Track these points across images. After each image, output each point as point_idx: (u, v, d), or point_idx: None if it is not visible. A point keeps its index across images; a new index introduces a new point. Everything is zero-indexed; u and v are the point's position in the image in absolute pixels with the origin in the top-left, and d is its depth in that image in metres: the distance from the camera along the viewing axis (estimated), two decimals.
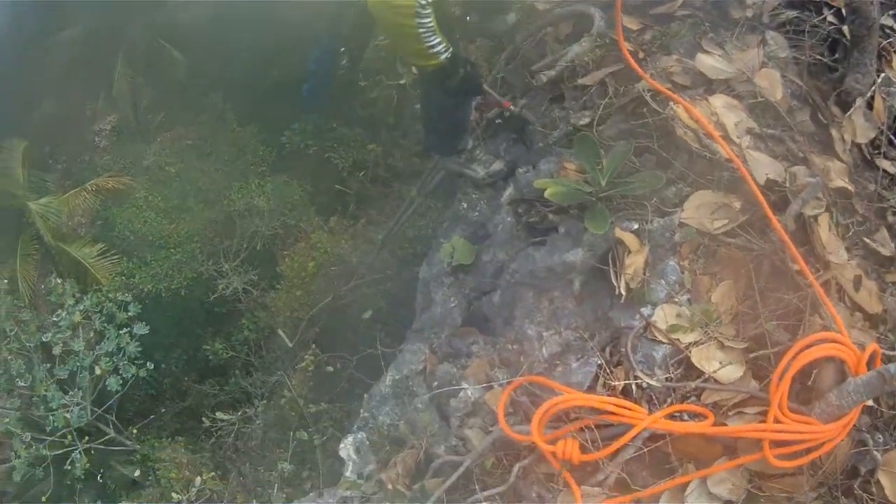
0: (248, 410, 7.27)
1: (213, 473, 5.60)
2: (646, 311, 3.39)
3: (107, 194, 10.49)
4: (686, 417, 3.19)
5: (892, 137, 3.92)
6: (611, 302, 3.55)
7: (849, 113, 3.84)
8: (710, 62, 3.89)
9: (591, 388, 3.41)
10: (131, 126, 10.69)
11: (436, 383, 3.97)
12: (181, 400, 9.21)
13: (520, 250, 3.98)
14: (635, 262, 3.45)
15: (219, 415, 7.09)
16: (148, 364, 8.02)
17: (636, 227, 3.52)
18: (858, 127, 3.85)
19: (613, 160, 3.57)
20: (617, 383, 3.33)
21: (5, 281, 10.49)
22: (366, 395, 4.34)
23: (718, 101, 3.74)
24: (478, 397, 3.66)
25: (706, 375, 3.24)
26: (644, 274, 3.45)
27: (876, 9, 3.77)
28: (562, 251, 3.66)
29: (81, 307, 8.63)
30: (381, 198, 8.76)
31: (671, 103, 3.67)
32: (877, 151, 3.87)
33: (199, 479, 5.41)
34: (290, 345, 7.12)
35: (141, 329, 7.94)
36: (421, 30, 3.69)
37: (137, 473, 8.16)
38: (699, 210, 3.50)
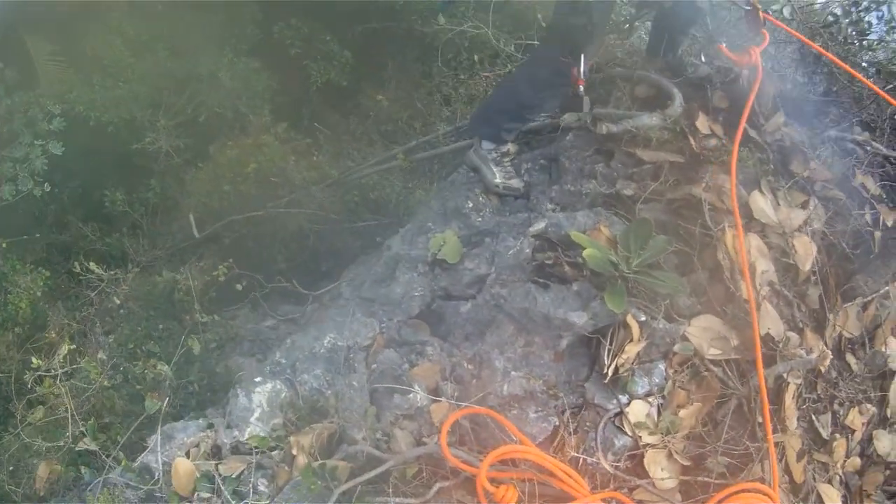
0: (118, 273, 6.84)
1: (74, 346, 5.21)
2: (623, 399, 3.51)
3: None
4: None
5: (867, 340, 4.17)
6: (588, 374, 3.63)
7: (846, 305, 4.08)
8: (761, 204, 4.02)
9: (542, 446, 3.47)
10: None
11: (376, 366, 3.90)
12: (59, 232, 8.59)
13: (517, 281, 3.93)
14: (632, 350, 3.55)
15: (92, 265, 6.64)
16: (45, 185, 7.45)
17: (643, 318, 3.59)
18: (850, 321, 4.09)
19: (652, 251, 3.66)
20: (572, 452, 3.43)
21: None
22: (287, 341, 4.18)
23: (753, 242, 3.88)
24: (423, 404, 3.60)
25: (650, 479, 3.40)
26: (633, 365, 3.57)
27: None
28: (567, 308, 3.66)
29: (9, 101, 7.93)
30: (347, 135, 8.46)
31: (726, 226, 3.83)
32: (850, 346, 4.14)
33: (64, 347, 5.03)
34: (196, 235, 6.75)
35: (56, 148, 7.35)
36: None
37: None
38: (703, 332, 3.66)
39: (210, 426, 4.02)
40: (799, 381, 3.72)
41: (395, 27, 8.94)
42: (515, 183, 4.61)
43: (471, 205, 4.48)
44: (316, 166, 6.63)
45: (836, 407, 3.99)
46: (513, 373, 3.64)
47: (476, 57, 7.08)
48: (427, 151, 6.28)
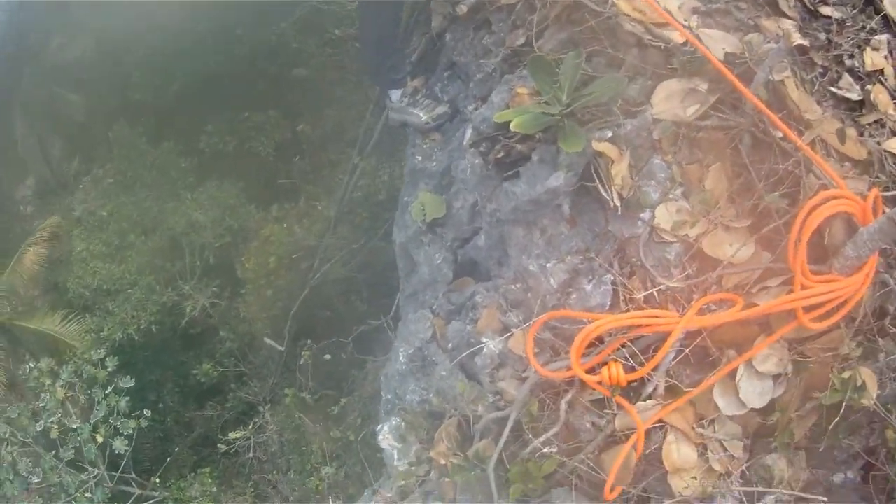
0: (256, 420, 7.12)
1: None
2: (645, 215, 3.34)
3: (48, 254, 10.11)
4: (714, 308, 3.18)
5: None
6: (605, 216, 3.50)
7: None
8: None
9: (613, 307, 3.38)
10: (50, 182, 10.24)
11: (450, 345, 3.92)
12: (189, 432, 9.05)
13: (495, 188, 3.87)
14: (620, 170, 3.35)
15: (232, 435, 6.94)
16: (145, 412, 7.83)
17: (610, 134, 3.40)
18: None
19: (568, 74, 3.43)
20: (638, 295, 3.28)
21: None
22: (381, 377, 4.25)
23: None
24: (501, 348, 3.59)
25: (724, 262, 3.22)
26: (632, 179, 3.37)
27: None
28: (542, 179, 3.54)
29: (61, 382, 8.37)
30: (318, 171, 8.57)
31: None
32: (818, 0, 3.78)
33: None
34: (280, 349, 6.96)
35: (126, 382, 7.73)
36: None
37: None
38: (669, 101, 3.40)
39: (375, 492, 4.15)
40: (787, 73, 3.42)
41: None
42: (440, 109, 4.62)
43: (420, 158, 4.48)
44: (316, 218, 6.76)
45: (848, 62, 3.69)
46: (547, 265, 3.58)
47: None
48: (371, 135, 6.27)
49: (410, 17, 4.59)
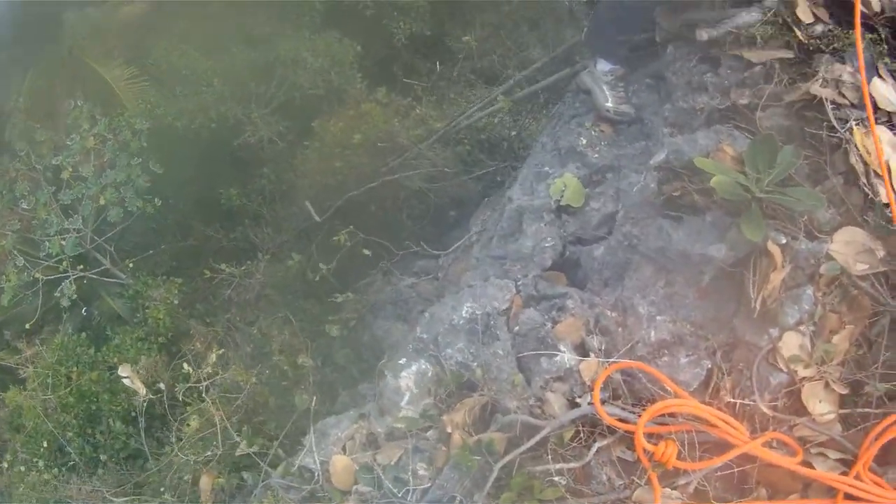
0: (251, 263, 7.05)
1: (221, 350, 5.41)
2: (774, 332, 3.43)
3: (146, 19, 9.85)
4: (775, 446, 3.32)
5: None
6: (736, 309, 3.56)
7: None
8: (884, 90, 3.77)
9: (697, 392, 3.47)
10: None
11: (517, 328, 3.95)
12: (183, 239, 8.94)
13: (648, 217, 3.92)
14: (776, 279, 3.43)
15: (223, 266, 6.87)
16: (156, 200, 7.72)
17: (784, 242, 3.46)
18: None
19: (781, 166, 3.49)
20: (726, 396, 3.40)
21: (20, 99, 9.93)
22: (426, 315, 4.23)
23: (885, 136, 3.65)
24: (572, 364, 3.64)
25: (809, 415, 3.35)
26: (780, 294, 3.45)
27: None
28: (704, 241, 3.58)
29: (96, 130, 8.21)
30: (448, 84, 8.38)
31: (852, 122, 3.62)
32: None
33: (212, 354, 5.22)
34: (317, 219, 6.85)
35: (156, 168, 7.62)
36: None
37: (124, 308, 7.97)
38: (847, 247, 3.48)
39: (362, 416, 4.10)
40: None
41: None
42: (626, 108, 4.64)
43: (584, 141, 4.50)
44: (421, 122, 6.70)
45: None
46: (658, 317, 3.64)
47: None
48: (526, 88, 6.17)
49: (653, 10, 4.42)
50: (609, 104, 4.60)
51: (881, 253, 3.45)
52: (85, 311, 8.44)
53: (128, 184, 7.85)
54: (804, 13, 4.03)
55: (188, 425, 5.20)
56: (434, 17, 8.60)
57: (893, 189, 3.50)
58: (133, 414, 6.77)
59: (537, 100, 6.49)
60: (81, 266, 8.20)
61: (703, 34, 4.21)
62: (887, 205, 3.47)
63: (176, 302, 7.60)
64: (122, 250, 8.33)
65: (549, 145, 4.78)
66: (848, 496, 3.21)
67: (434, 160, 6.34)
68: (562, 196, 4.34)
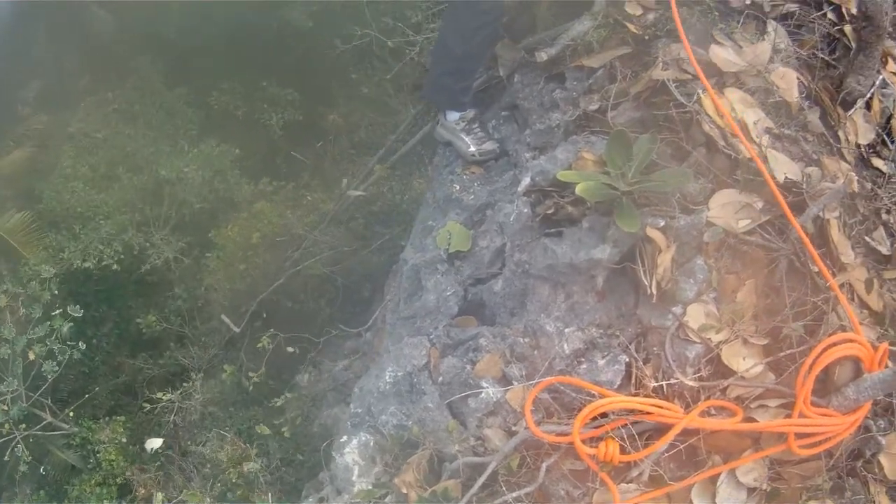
0: (187, 385, 7.03)
1: (161, 494, 5.40)
2: (677, 310, 3.57)
3: (31, 159, 9.83)
4: (714, 412, 3.41)
5: (886, 138, 4.16)
6: (636, 299, 3.73)
7: (850, 113, 4.07)
8: (724, 54, 4.01)
9: (621, 387, 3.59)
10: (55, 91, 9.96)
11: (441, 379, 4.07)
12: (115, 377, 8.87)
13: (532, 241, 4.08)
14: (664, 260, 3.59)
15: (159, 395, 6.84)
16: (80, 344, 7.67)
17: (663, 224, 3.64)
18: (860, 128, 4.07)
19: (640, 156, 3.68)
20: (650, 383, 3.49)
21: None
22: (356, 390, 4.36)
23: (734, 96, 3.89)
24: (499, 397, 3.77)
25: (736, 373, 3.44)
26: (673, 272, 3.60)
27: (888, 18, 3.95)
28: (587, 247, 3.76)
29: (4, 288, 8.14)
30: (326, 164, 8.52)
31: (699, 93, 3.81)
32: (872, 151, 4.12)
33: (157, 494, 5.21)
34: (236, 330, 6.89)
35: (75, 311, 7.58)
36: None
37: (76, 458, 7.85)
38: (724, 209, 3.65)
39: (321, 500, 4.12)
40: (837, 213, 3.73)
41: (314, 49, 8.96)
42: (489, 146, 4.81)
43: (458, 187, 4.70)
44: (313, 208, 6.75)
45: (884, 217, 3.99)
46: (566, 330, 3.78)
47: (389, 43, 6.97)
48: (398, 152, 6.31)
49: (489, 47, 4.60)
50: (472, 149, 4.78)
51: (759, 204, 3.64)
52: (43, 469, 8.28)
53: (52, 335, 7.78)
54: (632, 7, 4.29)
55: None
56: (303, 103, 8.76)
57: (753, 142, 3.71)
58: None
59: (415, 158, 6.65)
60: (24, 425, 8.05)
61: (543, 55, 4.46)
62: (751, 159, 3.65)
63: (124, 440, 7.55)
64: (59, 401, 8.23)
65: (430, 200, 4.94)
66: (799, 435, 3.32)
67: (331, 242, 6.44)
68: (449, 244, 4.48)
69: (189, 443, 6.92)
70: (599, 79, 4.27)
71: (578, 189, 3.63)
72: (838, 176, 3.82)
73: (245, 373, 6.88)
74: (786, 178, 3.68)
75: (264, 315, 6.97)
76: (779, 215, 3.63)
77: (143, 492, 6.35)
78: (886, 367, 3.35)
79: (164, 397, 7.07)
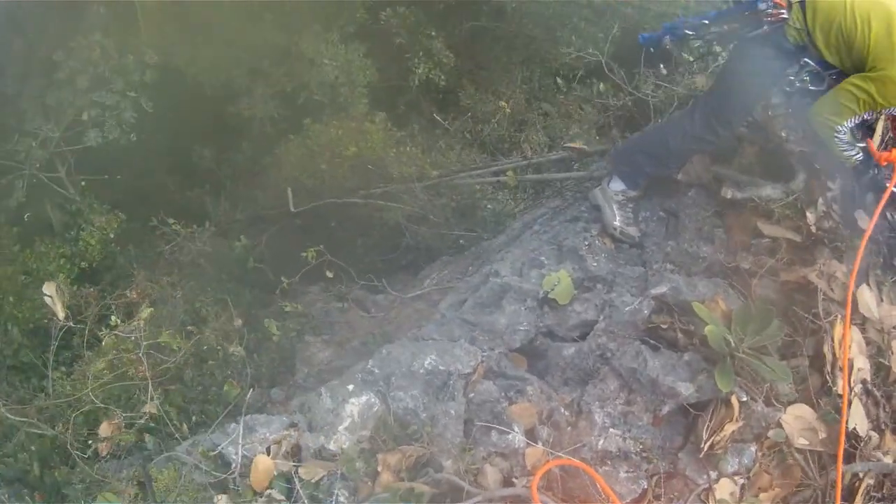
0: (196, 227, 7.06)
1: (151, 309, 5.39)
2: (712, 475, 3.82)
3: None
4: None
5: None
6: (683, 443, 3.98)
7: None
8: (867, 298, 4.30)
9: None
10: None
11: (473, 396, 4.20)
12: (141, 178, 8.70)
13: (629, 339, 4.28)
14: (729, 429, 3.86)
15: (171, 220, 6.91)
16: (132, 136, 7.56)
17: (745, 399, 3.94)
18: None
19: (766, 336, 3.95)
20: None
21: None
22: (383, 350, 4.48)
23: (855, 337, 4.17)
24: (519, 445, 3.90)
25: None
26: (727, 444, 3.87)
27: None
28: (675, 377, 4.00)
29: (104, 43, 7.90)
30: (443, 133, 8.55)
31: (838, 318, 4.11)
32: None
33: (145, 312, 5.21)
34: (292, 209, 6.89)
35: (148, 105, 7.51)
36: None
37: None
38: (796, 420, 3.96)
39: (293, 425, 4.18)
40: (871, 481, 4.00)
41: (502, 28, 8.98)
42: (633, 230, 5.01)
43: (588, 245, 4.85)
44: (414, 161, 6.76)
45: None
46: (610, 429, 4.00)
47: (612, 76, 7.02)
48: (535, 175, 6.44)
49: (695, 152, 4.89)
50: (617, 223, 4.95)
51: (822, 435, 3.92)
52: (27, 216, 8.20)
53: (115, 111, 7.74)
54: (821, 205, 4.49)
55: (97, 365, 5.19)
56: (456, 69, 8.74)
57: (849, 386, 3.98)
58: (39, 331, 6.69)
59: (538, 190, 6.76)
60: (38, 165, 8.01)
61: (728, 192, 4.70)
62: (840, 396, 3.94)
63: (112, 236, 7.54)
64: (80, 163, 8.12)
65: (547, 237, 5.12)
66: None
67: (423, 203, 6.51)
68: (552, 289, 4.63)
69: (166, 282, 6.89)
70: (762, 246, 4.52)
71: (707, 329, 3.89)
72: (889, 453, 4.08)
73: (257, 253, 6.94)
74: (854, 428, 3.94)
75: (315, 220, 7.00)
76: (830, 454, 3.89)
77: (134, 295, 6.29)
78: None
79: (173, 225, 7.08)
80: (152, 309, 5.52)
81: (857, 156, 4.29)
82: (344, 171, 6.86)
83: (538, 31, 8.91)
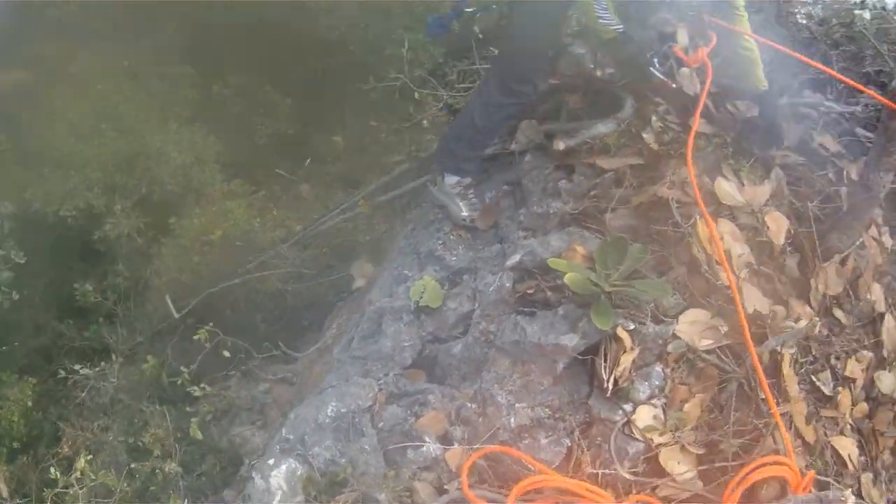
0: (105, 365, 6.99)
1: (89, 456, 5.35)
2: (627, 407, 3.86)
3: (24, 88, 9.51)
4: None
5: (851, 293, 4.57)
6: (590, 391, 4.01)
7: (825, 265, 4.46)
8: (727, 188, 4.45)
9: (560, 468, 3.82)
10: (75, 23, 9.58)
11: (382, 424, 4.24)
12: (37, 336, 8.65)
13: (503, 315, 4.32)
14: (627, 360, 3.90)
15: (78, 367, 6.82)
16: (14, 294, 7.52)
17: (633, 327, 3.96)
18: (830, 280, 4.48)
19: (628, 262, 4.01)
20: (590, 469, 3.75)
21: None
22: (291, 416, 4.54)
23: (725, 228, 4.31)
24: (437, 453, 3.95)
25: (668, 475, 3.75)
26: (631, 373, 3.91)
27: (884, 191, 4.38)
28: (557, 333, 4.01)
29: None
30: (308, 182, 8.59)
31: (696, 217, 4.18)
32: (835, 302, 4.53)
33: (81, 460, 5.17)
34: (175, 315, 6.88)
35: (19, 258, 7.44)
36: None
37: None
38: (692, 326, 4.02)
39: None
40: (793, 350, 4.12)
41: (336, 63, 9.05)
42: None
43: (442, 244, 4.94)
44: (279, 223, 6.82)
45: (833, 362, 4.40)
46: (516, 405, 4.01)
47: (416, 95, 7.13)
48: (388, 193, 6.53)
49: (506, 126, 5.04)
50: (464, 213, 5.02)
51: (724, 328, 4.02)
52: None
53: None
54: (655, 122, 4.61)
55: None
56: (300, 116, 8.80)
57: (734, 273, 4.08)
58: None
59: (396, 206, 6.81)
60: None
61: (561, 144, 4.80)
62: (728, 287, 4.02)
63: (30, 404, 7.45)
64: None
65: (408, 249, 5.19)
66: None
67: (293, 262, 6.54)
68: (421, 297, 4.69)
69: (96, 426, 6.83)
70: (607, 180, 4.60)
71: (566, 278, 3.95)
72: (801, 318, 4.22)
73: (168, 368, 6.88)
74: (755, 310, 4.07)
75: (204, 314, 6.98)
76: (739, 342, 3.98)
77: (66, 449, 6.24)
78: (810, 492, 3.63)
79: (81, 371, 7.02)
80: (91, 456, 5.48)
81: (618, 27, 4.35)
82: (216, 257, 6.91)
83: (366, 55, 9.00)
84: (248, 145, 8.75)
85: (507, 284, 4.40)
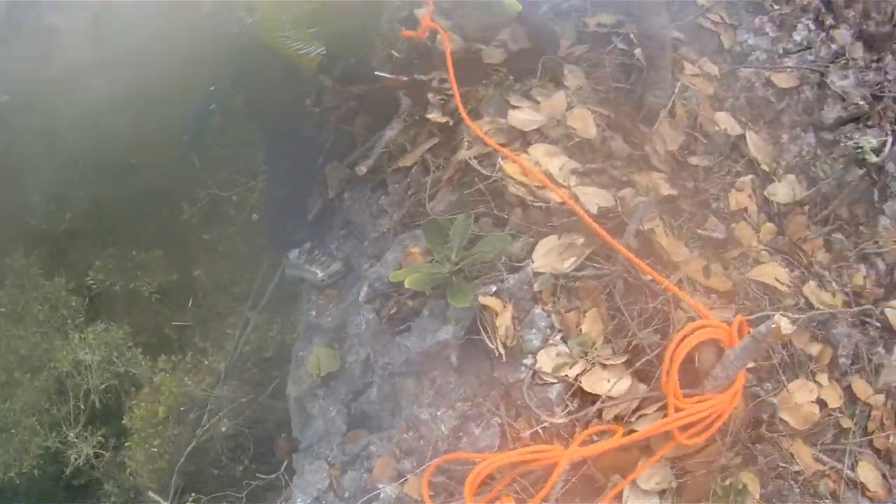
0: None
1: None
2: (528, 361, 3.91)
3: None
4: (596, 438, 3.71)
5: (697, 136, 4.62)
6: (491, 364, 4.04)
7: (655, 126, 4.53)
8: (521, 116, 4.52)
9: (501, 447, 3.85)
10: None
11: (346, 493, 4.31)
12: None
13: (387, 342, 4.40)
14: (504, 321, 3.95)
15: None
16: None
17: (494, 289, 4.02)
18: (667, 136, 4.54)
19: (458, 235, 4.07)
20: (524, 433, 3.78)
21: None
22: None
23: (539, 151, 4.38)
24: (398, 493, 3.99)
25: (602, 397, 3.77)
26: (515, 329, 3.95)
27: (669, 31, 4.51)
28: (431, 332, 4.10)
29: None
30: (207, 322, 8.64)
31: (499, 161, 4.26)
32: (686, 152, 4.59)
33: None
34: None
35: None
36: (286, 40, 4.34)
37: None
38: (548, 256, 4.06)
39: None
40: (656, 222, 4.15)
41: (169, 213, 9.11)
42: (335, 266, 5.21)
43: (314, 312, 5.04)
44: (208, 370, 6.91)
45: (714, 205, 4.46)
46: (438, 413, 4.06)
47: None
48: (266, 297, 6.62)
49: (311, 181, 5.20)
50: (320, 275, 5.14)
51: (580, 240, 4.05)
52: None
53: None
54: (433, 101, 4.75)
55: None
56: (172, 264, 8.87)
57: (562, 186, 4.13)
58: None
59: (289, 298, 6.92)
60: None
61: (362, 168, 5.00)
62: (562, 202, 4.07)
63: None
64: None
65: (299, 332, 5.32)
66: (683, 427, 3.59)
67: (230, 397, 6.63)
68: (319, 368, 4.76)
69: None
70: (415, 174, 4.73)
71: (407, 283, 4.01)
72: (649, 190, 4.28)
73: None
74: (599, 207, 4.12)
75: (189, 486, 7.03)
76: (602, 243, 4.03)
77: None
78: (747, 336, 3.65)
79: None
80: None
81: (320, 51, 4.38)
82: (172, 431, 6.96)
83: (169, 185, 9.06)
84: (148, 311, 8.82)
85: (371, 316, 4.50)
